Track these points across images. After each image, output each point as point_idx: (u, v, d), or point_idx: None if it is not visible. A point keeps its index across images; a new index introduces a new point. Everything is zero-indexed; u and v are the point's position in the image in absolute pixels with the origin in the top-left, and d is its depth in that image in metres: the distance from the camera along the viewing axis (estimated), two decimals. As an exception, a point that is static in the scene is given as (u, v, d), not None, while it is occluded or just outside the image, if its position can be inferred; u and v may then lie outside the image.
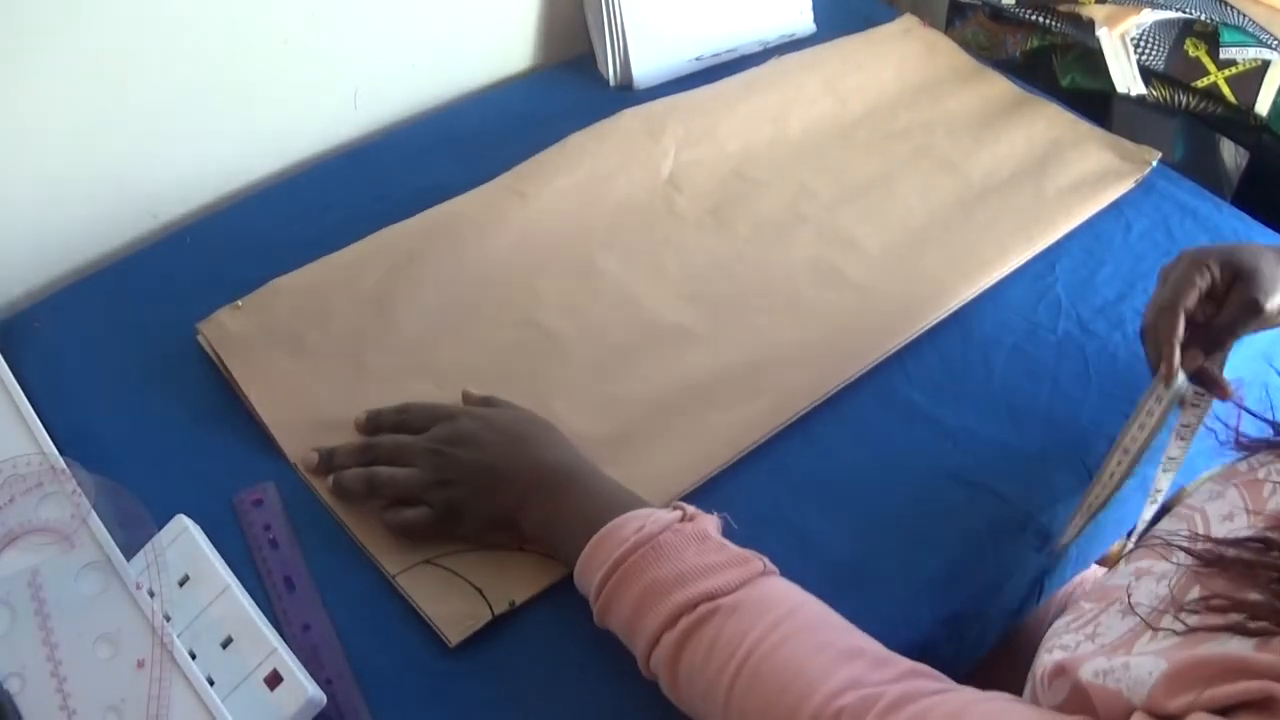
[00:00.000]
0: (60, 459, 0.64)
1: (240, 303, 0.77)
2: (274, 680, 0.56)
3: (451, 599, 0.62)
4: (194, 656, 0.57)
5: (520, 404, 0.71)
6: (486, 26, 0.99)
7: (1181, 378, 0.65)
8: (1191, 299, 0.65)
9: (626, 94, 1.00)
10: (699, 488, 0.69)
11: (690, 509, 0.59)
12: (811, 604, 0.55)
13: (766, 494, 0.69)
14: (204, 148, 0.86)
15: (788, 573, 0.58)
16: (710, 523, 0.59)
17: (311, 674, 0.57)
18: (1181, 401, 0.65)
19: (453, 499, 0.63)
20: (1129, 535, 0.69)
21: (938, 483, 0.70)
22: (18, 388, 0.69)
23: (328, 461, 0.67)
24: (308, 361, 0.75)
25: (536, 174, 0.89)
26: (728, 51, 1.04)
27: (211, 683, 0.56)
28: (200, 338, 0.75)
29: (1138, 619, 0.48)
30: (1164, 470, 0.66)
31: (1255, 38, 0.97)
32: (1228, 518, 0.53)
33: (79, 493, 0.62)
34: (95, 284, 0.81)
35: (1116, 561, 0.60)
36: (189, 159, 0.86)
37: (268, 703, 0.56)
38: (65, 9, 0.72)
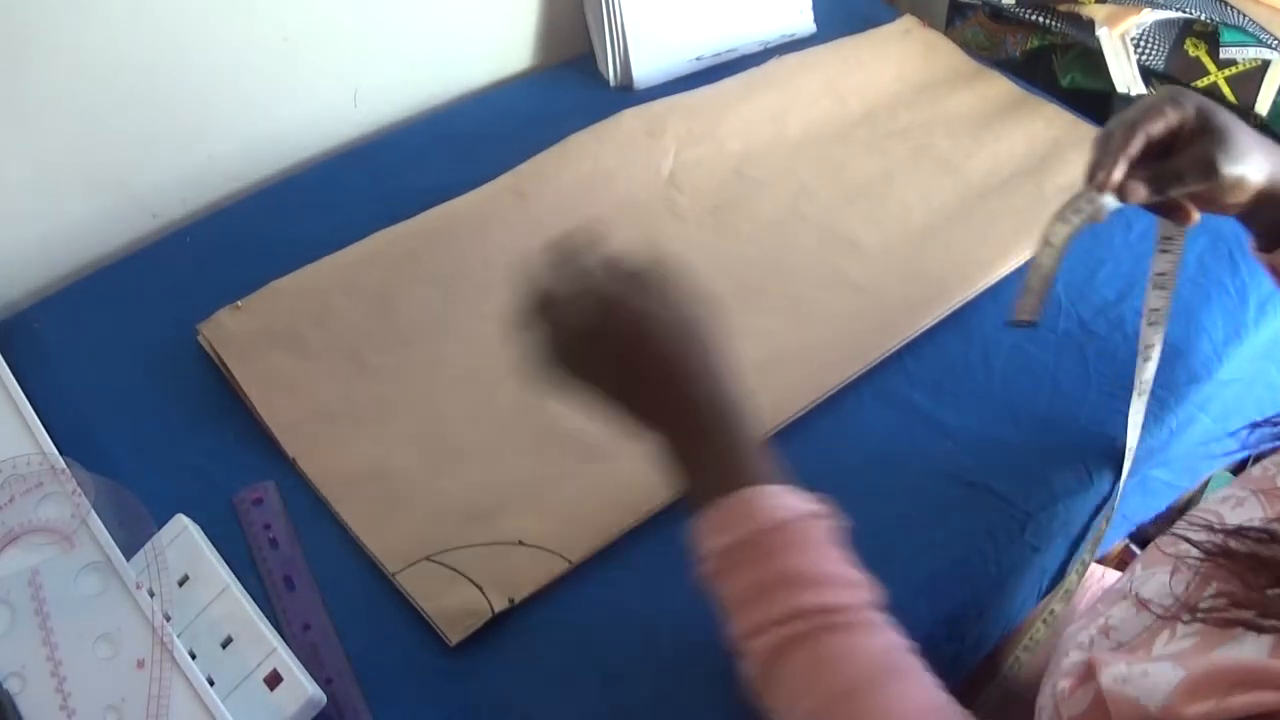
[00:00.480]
0: (60, 459, 0.64)
1: (240, 303, 0.77)
2: (274, 680, 0.56)
3: (451, 597, 0.62)
4: (194, 656, 0.57)
5: (520, 402, 0.71)
6: (486, 26, 0.99)
7: (1110, 200, 0.62)
8: (1156, 126, 0.62)
9: (626, 94, 1.00)
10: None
11: (825, 505, 0.56)
12: (909, 654, 0.52)
13: (766, 494, 0.69)
14: (204, 148, 0.86)
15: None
16: (840, 527, 0.55)
17: (311, 673, 0.57)
18: (1167, 240, 0.63)
19: (601, 354, 0.56)
20: (1130, 536, 0.68)
21: (938, 482, 0.70)
22: (18, 388, 0.69)
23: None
24: (308, 361, 0.75)
25: (536, 174, 0.89)
26: (728, 51, 1.04)
27: (211, 683, 0.56)
28: (200, 338, 0.75)
29: (1152, 616, 0.47)
30: (1149, 324, 0.65)
31: (1255, 38, 0.97)
32: (1238, 503, 0.53)
33: (79, 493, 0.62)
34: (95, 284, 0.81)
35: (1116, 561, 0.60)
36: (189, 159, 0.86)
37: (268, 702, 0.56)
38: (65, 9, 0.72)
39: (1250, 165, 0.61)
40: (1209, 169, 0.61)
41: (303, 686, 0.56)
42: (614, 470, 0.69)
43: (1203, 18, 0.98)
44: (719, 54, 1.04)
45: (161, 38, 0.78)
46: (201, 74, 0.82)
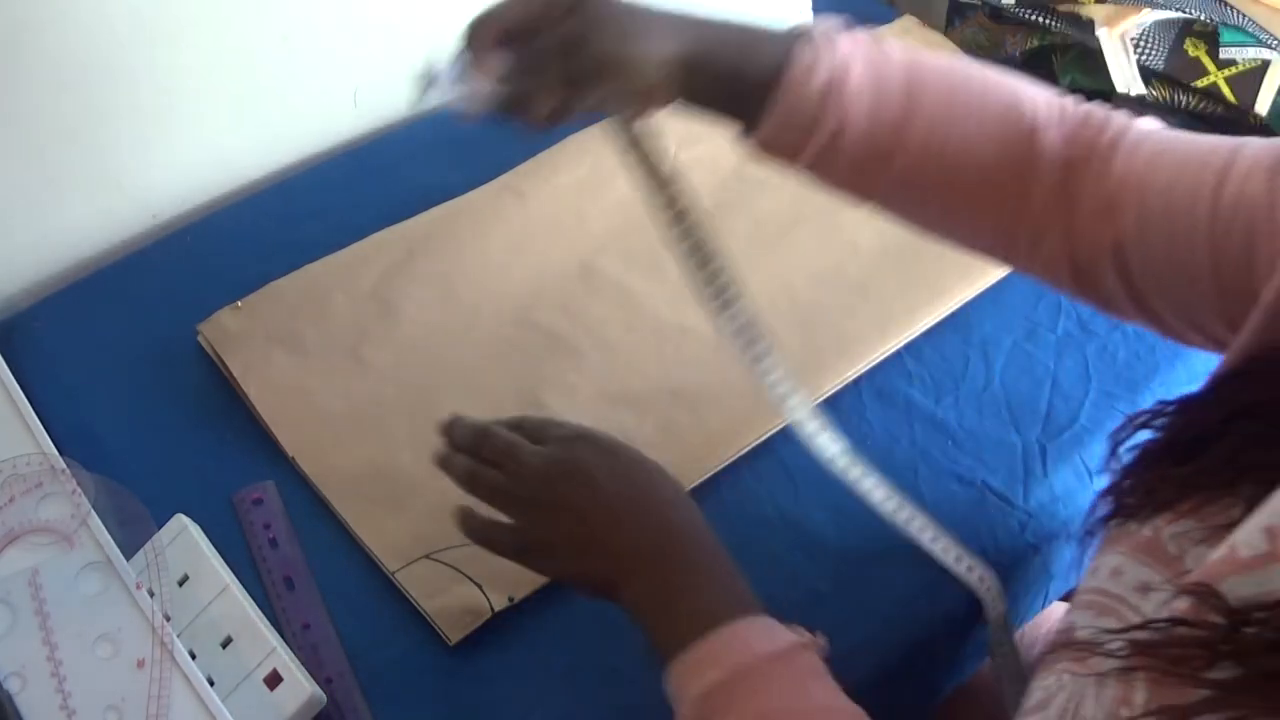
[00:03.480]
0: (60, 459, 0.64)
1: (240, 303, 0.77)
2: (274, 680, 0.56)
3: (451, 596, 0.62)
4: (194, 656, 0.57)
5: (519, 402, 0.71)
6: (486, 26, 0.99)
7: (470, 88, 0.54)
8: (512, 13, 0.53)
9: (626, 94, 0.99)
10: (699, 486, 0.69)
11: (804, 634, 0.52)
12: None
13: (766, 493, 0.69)
14: (204, 148, 0.86)
15: (789, 572, 0.58)
16: (821, 658, 0.52)
17: (311, 673, 0.57)
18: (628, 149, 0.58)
19: (545, 537, 0.56)
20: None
21: (938, 482, 0.70)
22: (18, 388, 0.69)
23: (448, 430, 0.60)
24: (308, 361, 0.75)
25: (536, 174, 0.89)
26: (728, 51, 1.04)
27: (211, 682, 0.56)
28: (200, 338, 0.75)
29: None
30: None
31: (1255, 38, 0.97)
32: (1143, 589, 0.45)
33: (79, 493, 0.62)
34: (95, 284, 0.81)
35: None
36: (189, 159, 0.86)
37: (268, 702, 0.56)
38: (65, 9, 0.72)
39: (646, 38, 0.53)
40: (572, 47, 0.52)
41: (303, 686, 0.56)
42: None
43: (1203, 18, 0.98)
44: (719, 54, 1.03)
45: (161, 38, 0.78)
46: (201, 74, 0.82)
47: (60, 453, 0.65)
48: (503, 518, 0.57)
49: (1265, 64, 0.97)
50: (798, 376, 0.75)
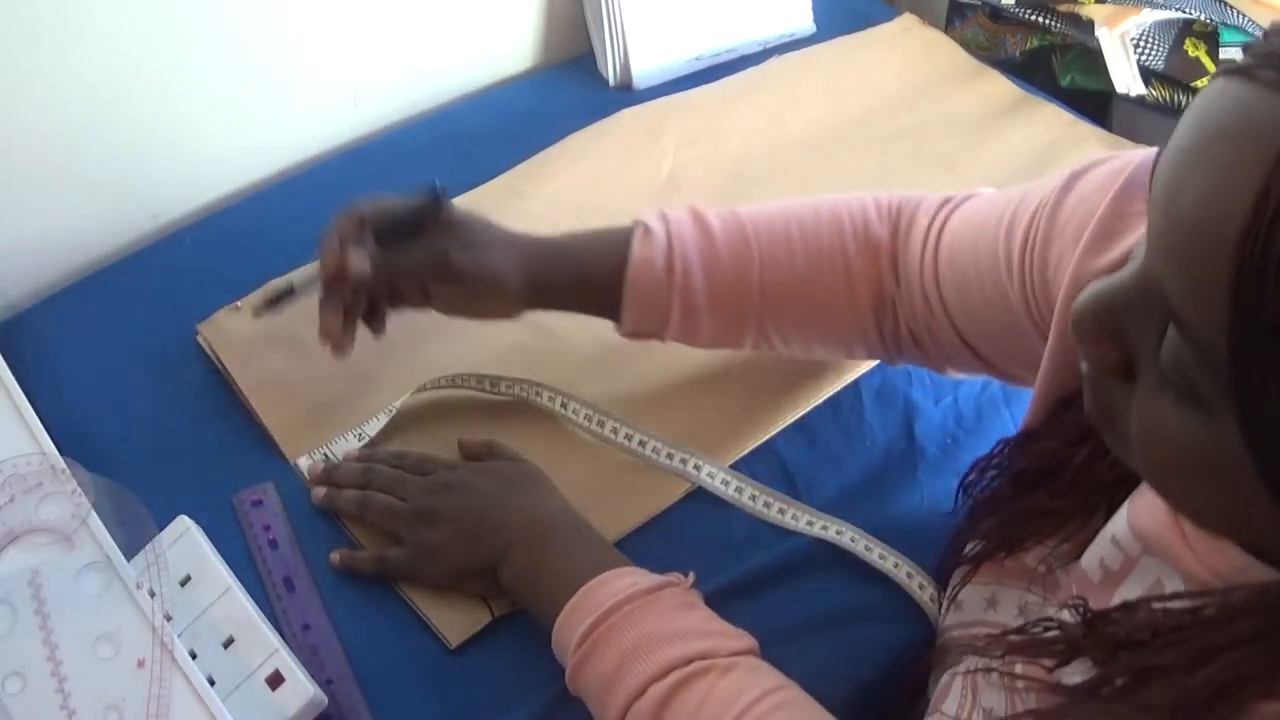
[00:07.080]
0: (60, 459, 0.64)
1: (240, 303, 0.77)
2: (275, 680, 0.56)
3: (451, 600, 0.62)
4: (195, 656, 0.57)
5: (518, 405, 0.71)
6: (486, 26, 0.99)
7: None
8: (375, 212, 0.64)
9: (626, 94, 1.00)
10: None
11: (675, 576, 0.58)
12: (802, 692, 0.53)
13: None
14: (204, 148, 0.86)
15: (789, 573, 0.58)
16: (698, 595, 0.58)
17: (312, 674, 0.57)
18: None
19: (434, 540, 0.62)
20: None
21: (938, 482, 0.70)
22: (18, 388, 0.68)
23: (328, 476, 0.67)
24: (307, 363, 0.74)
25: (536, 174, 0.89)
26: (727, 51, 1.04)
27: (212, 683, 0.56)
28: (200, 339, 0.75)
29: None
30: None
31: (1255, 38, 0.97)
32: (1021, 609, 0.50)
33: (79, 493, 0.61)
34: (95, 284, 0.80)
35: None
36: (189, 159, 0.86)
37: (269, 703, 0.56)
38: (65, 9, 0.72)
39: (496, 258, 0.64)
40: (441, 259, 0.63)
41: (305, 687, 0.56)
42: (613, 474, 0.69)
43: (1203, 18, 0.98)
44: (719, 54, 1.04)
45: (161, 37, 0.78)
46: (201, 74, 0.82)
47: (60, 453, 0.64)
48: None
49: (1265, 64, 0.97)
50: (802, 378, 0.75)
